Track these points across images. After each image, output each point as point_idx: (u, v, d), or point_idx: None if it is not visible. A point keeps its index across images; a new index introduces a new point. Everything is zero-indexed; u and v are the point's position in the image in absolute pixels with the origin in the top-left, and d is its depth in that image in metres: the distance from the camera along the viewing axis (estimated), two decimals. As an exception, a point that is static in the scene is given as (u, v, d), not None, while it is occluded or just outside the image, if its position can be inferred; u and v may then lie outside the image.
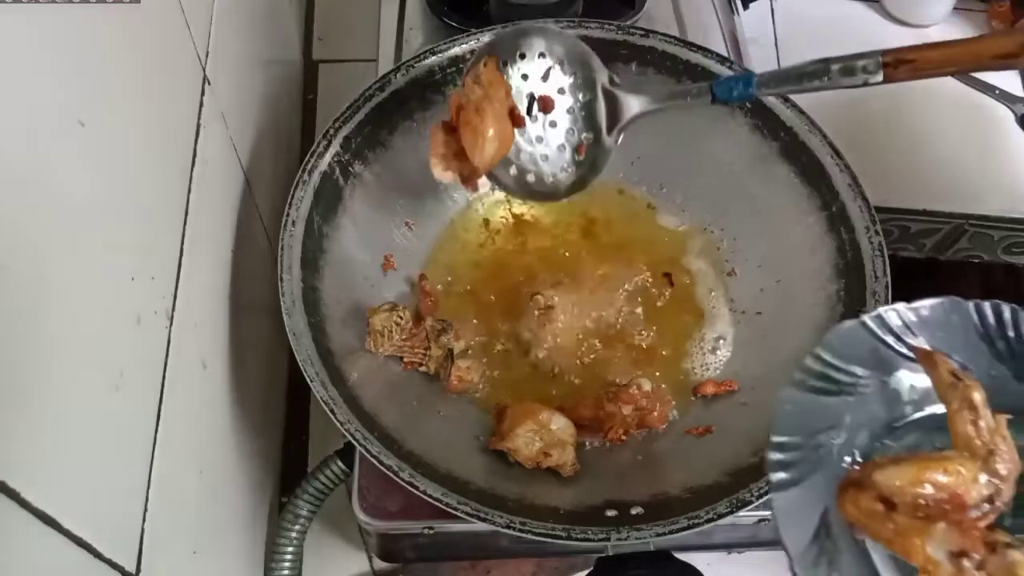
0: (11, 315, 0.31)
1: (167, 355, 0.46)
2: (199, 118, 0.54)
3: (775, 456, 0.40)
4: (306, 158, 0.61)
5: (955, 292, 0.43)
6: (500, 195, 0.71)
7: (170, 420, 0.45)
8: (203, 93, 0.55)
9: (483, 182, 0.57)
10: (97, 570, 0.37)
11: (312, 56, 1.01)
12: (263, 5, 0.78)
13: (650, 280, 0.67)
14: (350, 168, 0.64)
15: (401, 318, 0.60)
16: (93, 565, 0.36)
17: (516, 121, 0.55)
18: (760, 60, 0.84)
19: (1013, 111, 0.85)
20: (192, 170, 0.52)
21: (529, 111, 0.56)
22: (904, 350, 0.42)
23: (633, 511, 0.52)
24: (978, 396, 0.37)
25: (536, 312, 0.64)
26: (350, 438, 0.52)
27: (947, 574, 0.34)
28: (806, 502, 0.39)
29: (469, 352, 0.63)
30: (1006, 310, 0.42)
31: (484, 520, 0.50)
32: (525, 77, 0.55)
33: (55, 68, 0.36)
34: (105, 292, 0.40)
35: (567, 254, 0.69)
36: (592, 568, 0.55)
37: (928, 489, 0.35)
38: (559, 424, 0.57)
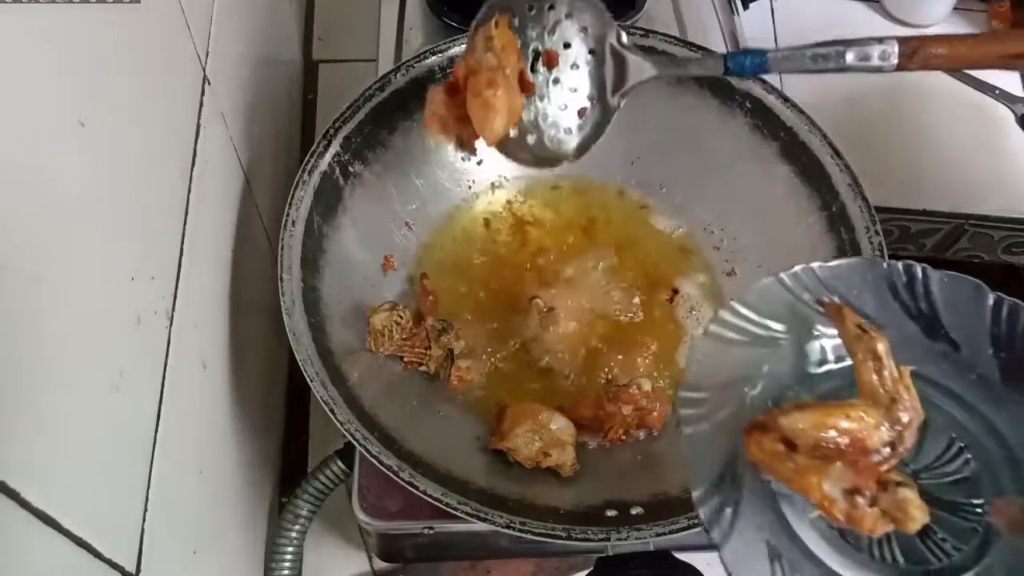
0: (11, 315, 0.31)
1: (167, 355, 0.46)
2: (199, 118, 0.54)
3: (684, 395, 0.41)
4: (306, 158, 0.61)
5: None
6: (501, 195, 0.71)
7: (170, 420, 0.45)
8: (203, 93, 0.55)
9: (480, 145, 0.54)
10: (97, 570, 0.37)
11: (312, 56, 1.01)
12: (263, 5, 0.78)
13: (649, 282, 0.67)
14: (350, 168, 0.64)
15: (401, 318, 0.60)
16: (93, 565, 0.36)
17: (525, 87, 0.53)
18: (760, 60, 0.84)
19: (1013, 111, 0.85)
20: (192, 170, 0.52)
21: (533, 67, 0.53)
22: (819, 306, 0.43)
23: (633, 511, 0.52)
24: (882, 347, 0.38)
25: (536, 313, 0.64)
26: (350, 438, 0.52)
27: (842, 509, 0.36)
28: (714, 444, 0.41)
29: (469, 352, 0.63)
30: (917, 270, 0.43)
31: (484, 520, 0.50)
32: (532, 30, 0.52)
33: (55, 68, 0.36)
34: (105, 292, 0.40)
35: (567, 255, 0.68)
36: (592, 568, 0.55)
37: (832, 434, 0.37)
38: (559, 424, 0.57)
